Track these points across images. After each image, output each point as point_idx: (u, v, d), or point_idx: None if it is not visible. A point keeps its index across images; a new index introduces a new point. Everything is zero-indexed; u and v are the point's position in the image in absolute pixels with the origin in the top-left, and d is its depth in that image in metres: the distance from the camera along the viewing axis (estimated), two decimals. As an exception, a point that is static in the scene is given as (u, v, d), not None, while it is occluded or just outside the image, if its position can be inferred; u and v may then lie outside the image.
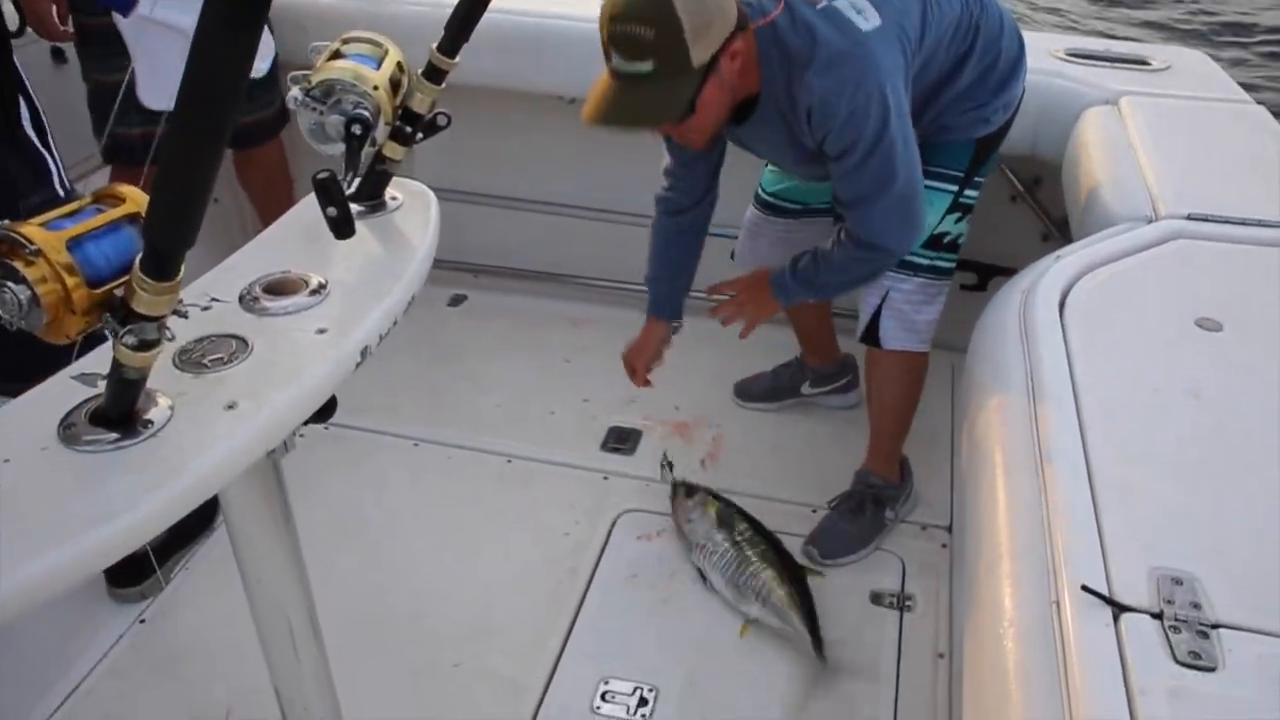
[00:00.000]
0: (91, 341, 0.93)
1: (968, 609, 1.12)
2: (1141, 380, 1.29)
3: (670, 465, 2.40)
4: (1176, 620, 0.92)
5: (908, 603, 2.07)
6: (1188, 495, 1.10)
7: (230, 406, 0.95)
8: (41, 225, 0.83)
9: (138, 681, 1.90)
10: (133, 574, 2.03)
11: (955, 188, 1.95)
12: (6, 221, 0.82)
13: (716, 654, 1.96)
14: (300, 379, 1.01)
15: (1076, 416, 1.21)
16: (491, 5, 1.31)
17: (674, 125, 1.73)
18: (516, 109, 2.92)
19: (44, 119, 1.74)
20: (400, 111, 1.32)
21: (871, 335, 2.05)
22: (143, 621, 2.02)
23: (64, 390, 0.95)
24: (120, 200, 0.89)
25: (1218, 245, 1.63)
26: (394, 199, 1.40)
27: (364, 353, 1.09)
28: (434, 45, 1.31)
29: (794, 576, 2.03)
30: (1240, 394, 1.28)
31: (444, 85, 1.33)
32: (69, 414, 0.93)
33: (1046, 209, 2.62)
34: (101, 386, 0.92)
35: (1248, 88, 2.43)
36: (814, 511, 2.28)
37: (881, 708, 1.85)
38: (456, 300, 3.16)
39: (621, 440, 2.55)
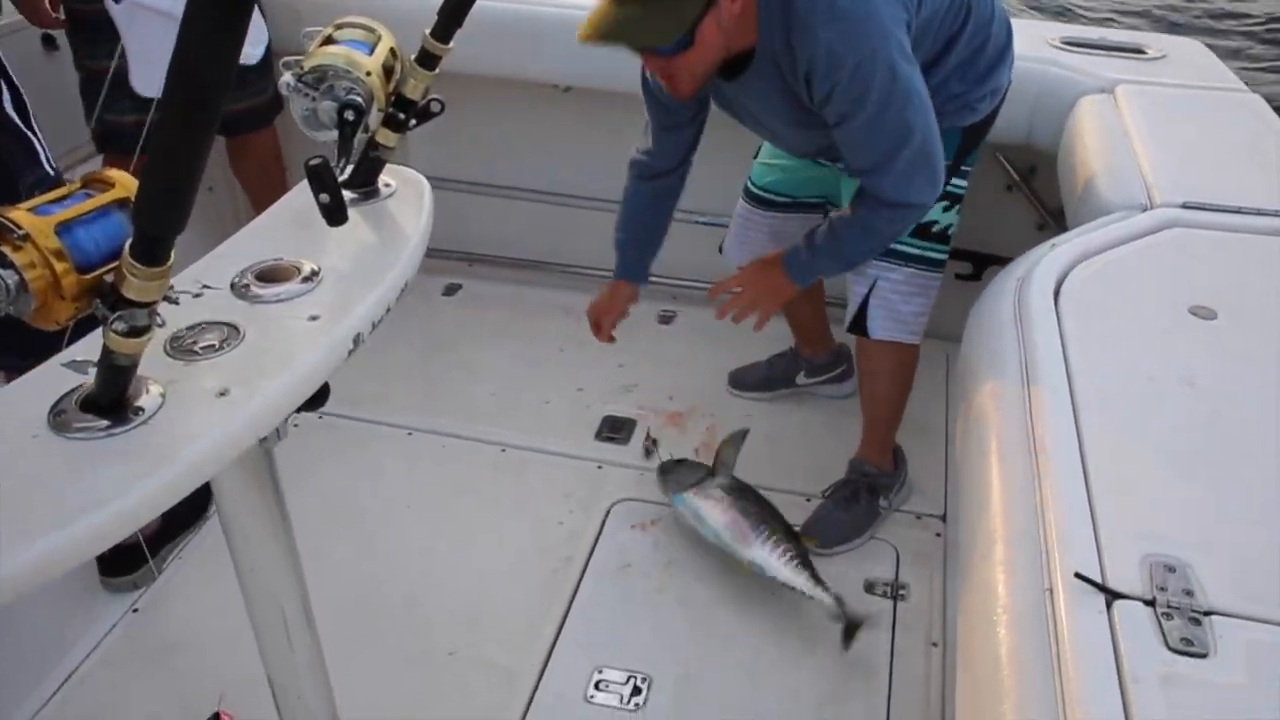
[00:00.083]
0: (84, 327, 0.92)
1: (961, 595, 1.13)
2: (1136, 368, 1.29)
3: (655, 443, 2.40)
4: (1169, 607, 0.92)
5: (901, 591, 2.07)
6: (1181, 483, 1.10)
7: (222, 394, 0.95)
8: (30, 210, 0.82)
9: (131, 671, 1.90)
10: (125, 563, 2.03)
11: None
12: None
13: (710, 643, 1.96)
14: (292, 366, 1.01)
15: (1071, 405, 1.21)
16: (485, -8, 1.30)
17: (667, 61, 1.67)
18: (512, 97, 2.91)
19: (25, 100, 1.73)
20: (393, 98, 1.31)
21: (859, 325, 2.05)
22: (136, 611, 2.02)
23: (54, 377, 0.94)
24: (110, 185, 0.88)
25: (1213, 234, 1.63)
26: (387, 186, 1.40)
27: (357, 340, 1.09)
28: (427, 31, 1.30)
29: (795, 537, 2.05)
30: (1235, 382, 1.28)
31: (437, 71, 1.32)
32: (59, 401, 0.92)
33: (1041, 198, 2.62)
34: (92, 374, 0.91)
35: (1243, 76, 2.43)
36: (808, 500, 2.28)
37: (875, 696, 1.85)
38: (451, 289, 3.16)
39: (616, 430, 2.55)
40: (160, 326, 0.88)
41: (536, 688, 1.86)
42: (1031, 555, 1.02)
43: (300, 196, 1.28)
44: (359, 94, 1.20)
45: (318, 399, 1.08)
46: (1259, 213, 1.68)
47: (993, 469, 1.19)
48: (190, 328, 1.04)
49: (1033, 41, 2.48)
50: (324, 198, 1.13)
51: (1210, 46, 2.67)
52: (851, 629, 1.91)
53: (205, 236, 1.24)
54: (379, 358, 2.70)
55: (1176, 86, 2.30)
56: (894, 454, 2.29)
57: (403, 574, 2.12)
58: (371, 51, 1.25)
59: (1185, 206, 1.70)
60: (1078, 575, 0.96)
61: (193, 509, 2.17)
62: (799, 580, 1.96)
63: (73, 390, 0.93)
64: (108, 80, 2.24)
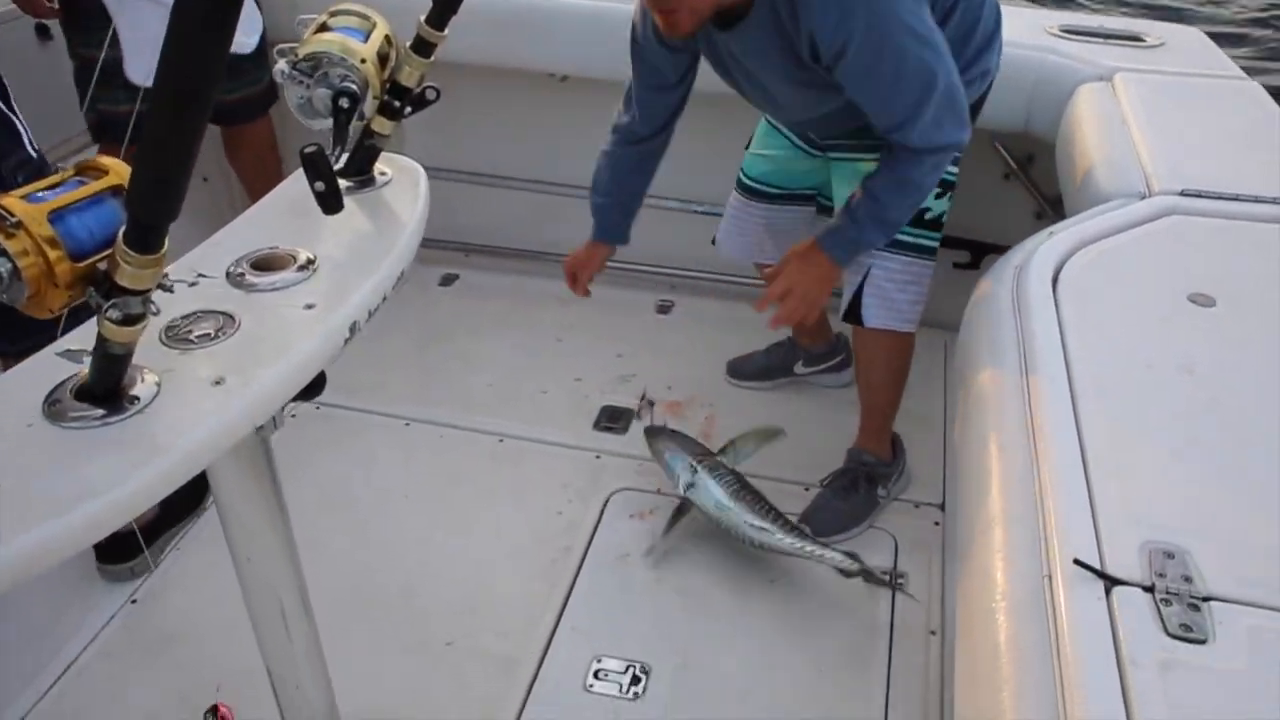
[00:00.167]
0: (79, 316, 0.92)
1: (960, 582, 1.12)
2: (1135, 356, 1.29)
3: (651, 404, 2.41)
4: (1168, 593, 0.92)
5: (900, 580, 2.07)
6: (1180, 470, 1.10)
7: (218, 382, 0.95)
8: (22, 197, 0.82)
9: (129, 662, 1.89)
10: (121, 550, 2.03)
11: None
12: None
13: (709, 632, 1.96)
14: (288, 355, 1.00)
15: (1070, 392, 1.21)
16: (481, -21, 1.29)
17: None
18: (508, 87, 2.90)
19: (4, 83, 1.72)
20: (388, 85, 1.30)
21: (854, 313, 2.04)
22: (134, 602, 2.02)
23: (49, 366, 0.94)
24: (103, 172, 0.88)
25: (1211, 221, 1.63)
26: (383, 174, 1.39)
27: (353, 328, 1.08)
28: (422, 17, 1.30)
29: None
30: (1233, 369, 1.27)
31: (433, 59, 1.32)
32: (54, 390, 0.92)
33: (1040, 187, 2.61)
34: (87, 363, 0.91)
35: (1242, 64, 2.43)
36: (806, 490, 2.28)
37: (873, 685, 1.86)
38: (448, 280, 3.15)
39: (614, 419, 2.55)
40: (155, 315, 0.87)
41: (535, 677, 1.86)
42: (1030, 542, 1.02)
43: (296, 185, 1.27)
44: (354, 81, 1.20)
45: (314, 388, 1.07)
46: (1257, 200, 1.68)
47: (992, 457, 1.19)
48: (185, 316, 1.03)
49: (1031, 29, 2.47)
50: (319, 185, 1.12)
51: (1209, 34, 2.67)
52: (873, 577, 1.97)
53: (201, 227, 1.24)
54: (376, 349, 2.69)
55: (1175, 74, 2.29)
56: (892, 443, 2.29)
57: (401, 564, 2.12)
58: (366, 38, 1.24)
59: (1184, 194, 1.69)
60: (1076, 562, 0.96)
61: (190, 499, 2.17)
62: (807, 546, 1.99)
63: (68, 379, 0.92)
64: (97, 68, 2.23)
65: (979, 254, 2.69)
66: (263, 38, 2.56)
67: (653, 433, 2.30)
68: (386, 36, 1.28)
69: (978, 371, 1.37)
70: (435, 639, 1.95)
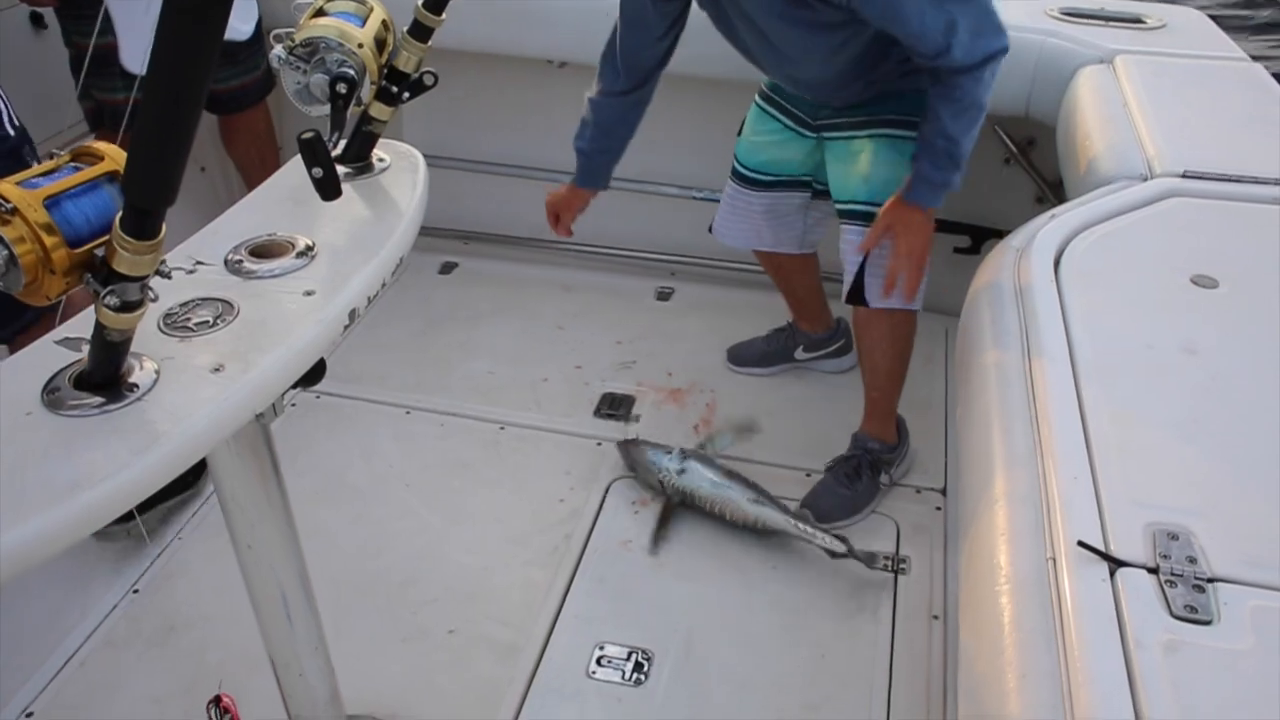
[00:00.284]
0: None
1: (964, 566, 1.12)
2: (1137, 338, 1.28)
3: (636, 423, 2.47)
4: (1172, 575, 0.92)
5: (902, 565, 2.07)
6: (1183, 451, 1.10)
7: (217, 369, 0.94)
8: (17, 184, 0.81)
9: (132, 651, 1.89)
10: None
11: None
12: None
13: (711, 618, 1.96)
14: (288, 341, 1.00)
15: (1072, 374, 1.21)
16: (479, -37, 1.28)
17: None
18: (506, 73, 2.88)
19: None
20: (386, 70, 1.30)
21: (857, 294, 2.04)
22: (136, 591, 2.02)
23: (48, 355, 0.94)
24: (99, 159, 0.87)
25: (1213, 203, 1.62)
26: (381, 160, 1.39)
27: (352, 315, 1.08)
28: (419, 2, 1.29)
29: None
30: (1236, 351, 1.27)
31: (430, 43, 1.31)
32: (53, 378, 0.91)
33: (1040, 170, 2.60)
34: (85, 351, 0.90)
35: (1243, 45, 2.41)
36: (808, 476, 2.28)
37: (876, 669, 1.86)
38: (447, 267, 3.14)
39: (615, 406, 2.55)
40: (154, 301, 0.87)
41: (538, 664, 1.86)
42: (1034, 524, 1.01)
43: (294, 172, 1.27)
44: (351, 66, 1.19)
45: (314, 375, 1.07)
46: (1259, 181, 1.67)
47: (994, 439, 1.18)
48: (184, 304, 1.03)
49: (1031, 12, 2.46)
50: (317, 172, 1.12)
51: (1210, 16, 2.65)
52: (862, 559, 2.01)
53: (199, 217, 1.23)
54: (377, 337, 2.69)
55: (1176, 56, 2.28)
56: (897, 426, 2.28)
57: (402, 552, 2.12)
58: (363, 23, 1.23)
59: (1185, 176, 1.68)
60: (1081, 544, 0.95)
61: (190, 469, 2.16)
62: (800, 524, 2.04)
63: (66, 367, 0.92)
64: (88, 56, 2.21)
65: (979, 239, 2.68)
66: (259, 24, 2.55)
67: (625, 445, 2.32)
68: (384, 21, 1.27)
69: (980, 355, 1.37)
70: (437, 627, 1.95)
